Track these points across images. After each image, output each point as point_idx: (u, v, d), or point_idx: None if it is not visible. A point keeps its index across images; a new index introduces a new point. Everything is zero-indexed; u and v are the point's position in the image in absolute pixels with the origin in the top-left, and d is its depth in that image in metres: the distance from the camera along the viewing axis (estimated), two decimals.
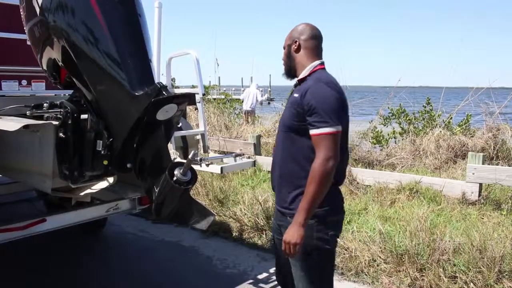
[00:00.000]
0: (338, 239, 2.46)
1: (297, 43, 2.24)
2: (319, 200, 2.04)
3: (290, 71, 2.31)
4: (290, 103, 2.18)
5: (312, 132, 2.04)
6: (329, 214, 2.16)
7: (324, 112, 2.01)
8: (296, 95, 2.14)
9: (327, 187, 2.04)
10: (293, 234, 2.05)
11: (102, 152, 2.40)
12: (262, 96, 13.66)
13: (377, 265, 3.85)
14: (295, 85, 2.29)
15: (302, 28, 2.27)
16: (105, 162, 2.43)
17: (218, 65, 12.88)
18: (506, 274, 3.44)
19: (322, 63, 2.26)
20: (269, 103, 15.30)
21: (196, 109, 3.89)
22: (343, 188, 5.70)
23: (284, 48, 2.32)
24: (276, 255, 2.54)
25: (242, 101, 14.11)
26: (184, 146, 3.69)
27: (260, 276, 3.93)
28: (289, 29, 2.35)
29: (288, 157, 2.20)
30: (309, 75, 2.19)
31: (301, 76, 2.22)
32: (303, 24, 2.30)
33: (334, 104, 2.04)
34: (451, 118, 8.40)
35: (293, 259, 2.21)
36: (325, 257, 2.24)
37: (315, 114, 2.03)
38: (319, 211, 2.11)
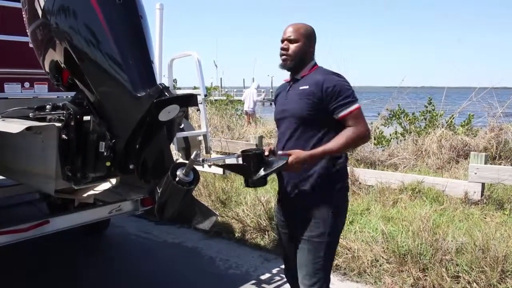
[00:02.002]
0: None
1: (313, 45, 2.43)
2: (338, 153, 2.29)
3: (299, 66, 2.40)
4: (299, 94, 2.32)
5: (346, 111, 2.23)
6: (345, 201, 2.44)
7: (350, 93, 2.25)
8: (305, 87, 2.31)
9: (348, 149, 2.44)
10: (302, 156, 2.20)
11: (105, 154, 2.40)
12: (258, 96, 13.72)
13: (380, 265, 3.84)
14: (292, 81, 2.45)
15: (313, 30, 2.44)
16: (108, 164, 2.43)
17: (216, 66, 12.92)
18: (509, 274, 3.43)
19: (316, 62, 2.49)
20: (270, 104, 15.32)
21: (198, 110, 3.89)
22: None
23: (293, 41, 2.36)
24: (283, 252, 2.66)
25: (244, 102, 14.12)
26: (187, 147, 3.69)
27: (263, 277, 3.93)
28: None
29: (305, 147, 2.28)
30: (310, 72, 2.39)
31: (304, 73, 2.40)
32: (312, 28, 2.45)
33: (351, 87, 2.30)
34: (453, 118, 8.39)
35: (302, 242, 2.38)
36: (333, 240, 2.42)
37: (342, 96, 2.24)
38: (336, 200, 2.37)
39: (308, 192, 2.33)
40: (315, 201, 2.34)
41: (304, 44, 2.36)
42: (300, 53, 2.36)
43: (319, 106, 2.26)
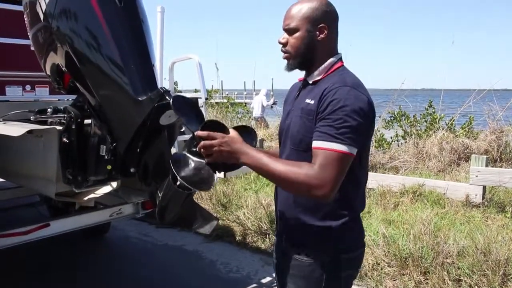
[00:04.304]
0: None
1: (325, 31, 1.65)
2: (271, 177, 1.57)
3: (306, 65, 1.72)
4: (301, 110, 1.66)
5: (320, 144, 1.52)
6: (345, 251, 1.72)
7: (348, 124, 1.50)
8: (309, 101, 1.64)
9: (285, 187, 1.63)
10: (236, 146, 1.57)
11: (106, 157, 2.41)
12: (268, 101, 13.86)
13: (381, 269, 3.83)
14: (302, 86, 1.78)
15: (326, 6, 1.66)
16: (109, 167, 2.43)
17: (217, 69, 12.96)
18: (511, 277, 3.42)
19: (341, 58, 1.73)
20: (271, 107, 15.38)
21: None
22: None
23: (291, 30, 1.67)
24: None
25: (245, 105, 14.17)
26: None
27: (263, 280, 3.93)
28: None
29: None
30: (327, 74, 1.68)
31: (319, 75, 1.69)
32: (325, 0, 1.68)
33: (360, 119, 1.52)
34: (453, 120, 8.40)
35: None
36: None
37: (332, 119, 1.52)
38: (332, 247, 1.70)
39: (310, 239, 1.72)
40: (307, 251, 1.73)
41: (307, 32, 1.64)
42: (303, 47, 1.66)
43: None
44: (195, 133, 1.60)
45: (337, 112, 1.51)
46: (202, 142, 1.57)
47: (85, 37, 2.27)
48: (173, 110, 1.81)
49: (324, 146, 1.50)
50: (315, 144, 1.53)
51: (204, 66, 3.71)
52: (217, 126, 1.65)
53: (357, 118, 1.51)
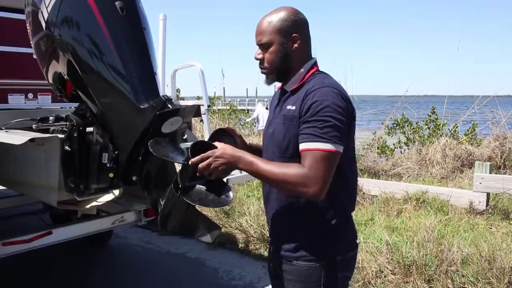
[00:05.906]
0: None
1: (298, 40, 1.67)
2: (265, 179, 1.65)
3: (284, 76, 1.75)
4: (284, 117, 1.68)
5: (307, 145, 1.55)
6: (340, 253, 1.74)
7: (329, 124, 1.54)
8: (290, 107, 1.67)
9: (279, 187, 1.67)
10: (227, 155, 1.60)
11: (108, 165, 2.41)
12: None
13: (385, 276, 3.81)
14: (281, 94, 1.81)
15: (295, 15, 1.68)
16: (111, 175, 2.43)
17: (223, 76, 13.08)
18: None
19: (316, 63, 1.76)
20: None
21: (202, 120, 3.90)
22: None
23: (265, 45, 1.68)
24: None
25: (247, 112, 14.20)
26: None
27: None
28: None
29: (288, 197, 1.74)
30: (303, 81, 1.70)
31: (295, 83, 1.72)
32: (292, 10, 1.69)
33: (342, 117, 1.56)
34: (457, 126, 8.40)
35: None
36: None
37: (315, 119, 1.55)
38: (328, 250, 1.72)
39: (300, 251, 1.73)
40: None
41: (280, 45, 1.66)
42: (278, 60, 1.68)
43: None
44: (189, 162, 1.63)
45: (319, 114, 1.55)
46: (199, 167, 1.60)
47: (87, 46, 2.27)
48: (158, 156, 1.84)
49: (310, 147, 1.54)
50: (302, 146, 1.57)
51: (207, 73, 3.72)
52: (203, 146, 1.67)
53: (338, 117, 1.55)
